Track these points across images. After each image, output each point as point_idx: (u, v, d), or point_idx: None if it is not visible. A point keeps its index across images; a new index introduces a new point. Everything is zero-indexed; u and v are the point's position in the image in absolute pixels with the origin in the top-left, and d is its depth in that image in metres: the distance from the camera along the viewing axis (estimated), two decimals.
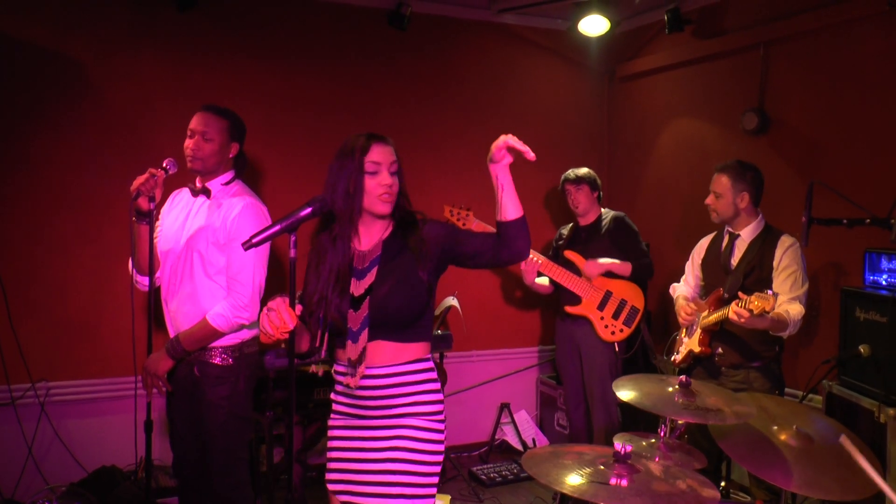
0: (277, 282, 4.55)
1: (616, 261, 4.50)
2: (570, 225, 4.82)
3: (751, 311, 3.14)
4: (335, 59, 4.97)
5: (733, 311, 3.22)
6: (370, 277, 2.42)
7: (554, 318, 5.49)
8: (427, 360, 2.47)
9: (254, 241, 2.24)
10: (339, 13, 4.94)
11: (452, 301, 4.71)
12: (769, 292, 3.15)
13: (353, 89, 5.03)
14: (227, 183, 3.23)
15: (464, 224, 4.73)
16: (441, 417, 2.46)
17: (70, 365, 4.34)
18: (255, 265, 3.13)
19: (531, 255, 4.59)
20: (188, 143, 3.16)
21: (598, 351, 4.52)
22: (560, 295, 4.69)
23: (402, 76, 5.18)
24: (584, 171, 4.67)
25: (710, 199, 3.70)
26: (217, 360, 3.14)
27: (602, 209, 4.70)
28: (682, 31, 4.93)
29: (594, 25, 5.12)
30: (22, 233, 4.23)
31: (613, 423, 4.50)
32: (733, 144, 4.65)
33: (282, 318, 2.14)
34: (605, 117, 5.88)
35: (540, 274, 4.63)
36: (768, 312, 3.13)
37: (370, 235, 2.49)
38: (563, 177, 4.72)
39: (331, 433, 2.53)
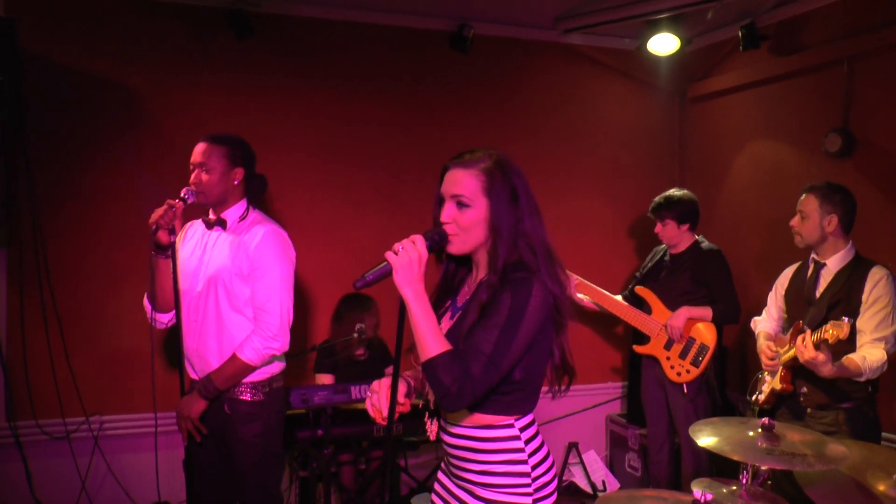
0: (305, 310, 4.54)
1: (696, 309, 4.33)
2: (662, 250, 4.64)
3: (825, 340, 3.03)
4: (396, 84, 4.98)
5: (799, 347, 3.13)
6: (445, 322, 2.19)
7: (623, 353, 5.37)
8: (506, 426, 2.11)
9: (368, 278, 1.98)
10: (400, 37, 4.96)
11: None
12: (845, 319, 3.02)
13: (413, 114, 5.03)
14: (244, 215, 3.24)
15: None
16: (524, 490, 2.11)
17: (123, 399, 4.39)
18: (281, 293, 3.13)
19: (581, 295, 4.57)
20: (191, 176, 3.19)
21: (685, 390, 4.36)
22: (633, 332, 4.59)
23: (465, 101, 5.16)
24: (667, 200, 4.43)
25: (795, 221, 3.54)
26: (247, 397, 3.14)
27: (697, 238, 4.48)
28: (757, 48, 4.80)
29: (664, 44, 5.04)
30: (78, 266, 4.30)
31: (701, 469, 4.32)
32: (815, 168, 4.48)
33: (380, 402, 2.07)
34: (676, 140, 5.77)
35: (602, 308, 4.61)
36: (843, 340, 3.02)
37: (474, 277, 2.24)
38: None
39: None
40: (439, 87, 5.09)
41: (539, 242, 2.11)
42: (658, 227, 4.48)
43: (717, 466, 4.28)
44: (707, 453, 4.22)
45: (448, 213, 2.08)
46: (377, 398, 2.08)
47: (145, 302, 3.31)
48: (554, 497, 2.16)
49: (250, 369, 3.11)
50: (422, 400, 2.24)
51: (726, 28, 5.11)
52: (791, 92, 4.79)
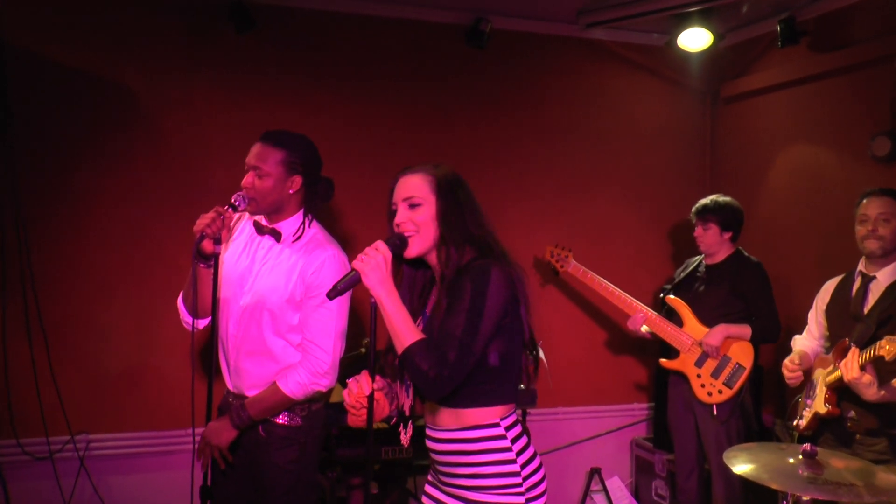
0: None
1: (734, 327, 4.22)
2: (696, 261, 4.55)
3: (881, 357, 2.93)
4: (406, 81, 4.92)
5: (842, 365, 3.06)
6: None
7: (649, 371, 5.24)
8: (491, 426, 2.32)
9: (339, 287, 2.26)
10: (412, 31, 4.91)
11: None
12: None
13: (425, 114, 4.97)
14: (300, 229, 3.05)
15: (562, 266, 4.72)
16: (516, 490, 2.29)
17: (112, 416, 4.32)
18: (336, 328, 2.99)
19: (645, 329, 4.44)
20: (245, 178, 3.01)
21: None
22: (661, 346, 4.47)
23: (480, 98, 5.10)
24: (715, 204, 4.35)
25: (873, 226, 3.38)
26: (284, 420, 3.00)
27: (737, 249, 4.39)
28: (797, 44, 4.70)
29: (695, 39, 4.97)
30: (65, 272, 4.24)
31: (734, 498, 4.21)
32: (860, 174, 4.37)
33: (359, 384, 2.26)
34: (707, 143, 5.68)
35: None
36: None
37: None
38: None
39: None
40: (453, 84, 5.03)
41: (491, 237, 2.37)
42: (698, 231, 4.38)
43: (753, 496, 4.19)
44: (741, 481, 4.13)
45: (402, 214, 2.36)
46: (356, 384, 2.29)
47: (180, 304, 3.19)
48: (545, 497, 2.37)
49: (291, 403, 2.97)
50: (395, 413, 2.45)
51: (762, 23, 5.02)
52: (834, 92, 4.68)
